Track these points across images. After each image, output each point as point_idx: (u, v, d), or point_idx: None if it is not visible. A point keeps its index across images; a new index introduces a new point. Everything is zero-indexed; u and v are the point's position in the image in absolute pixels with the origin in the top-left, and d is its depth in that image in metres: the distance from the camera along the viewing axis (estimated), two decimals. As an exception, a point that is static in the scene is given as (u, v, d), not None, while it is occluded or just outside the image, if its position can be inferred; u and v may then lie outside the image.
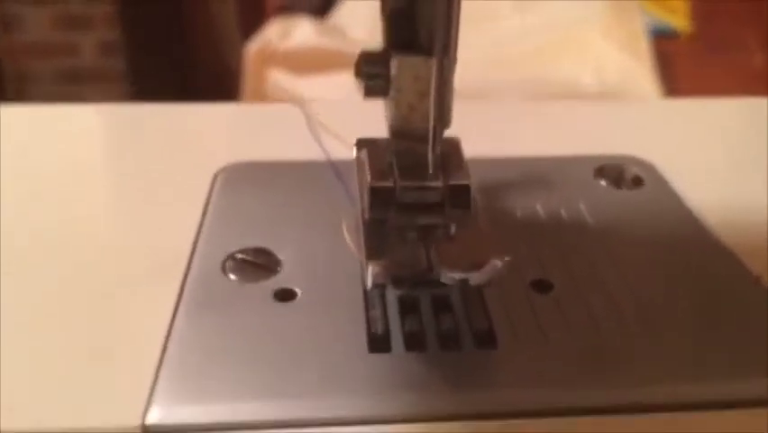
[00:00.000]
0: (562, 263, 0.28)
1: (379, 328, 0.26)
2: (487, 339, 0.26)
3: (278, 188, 0.34)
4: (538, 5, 1.33)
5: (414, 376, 0.24)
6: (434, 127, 0.28)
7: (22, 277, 0.29)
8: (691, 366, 0.24)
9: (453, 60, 0.27)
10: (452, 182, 0.27)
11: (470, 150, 0.29)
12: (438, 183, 0.27)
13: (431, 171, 0.28)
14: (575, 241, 0.30)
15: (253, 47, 1.22)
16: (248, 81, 1.23)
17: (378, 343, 0.26)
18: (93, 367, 0.25)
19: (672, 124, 0.40)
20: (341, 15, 1.38)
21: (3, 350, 0.25)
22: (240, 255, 0.30)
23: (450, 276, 0.24)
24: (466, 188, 0.28)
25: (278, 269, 0.29)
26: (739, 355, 0.25)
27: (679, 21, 1.49)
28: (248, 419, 0.23)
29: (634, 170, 0.35)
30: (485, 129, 0.37)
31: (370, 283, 0.25)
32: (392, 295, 0.28)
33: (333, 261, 0.30)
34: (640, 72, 1.24)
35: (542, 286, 0.28)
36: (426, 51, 0.27)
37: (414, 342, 0.26)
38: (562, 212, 0.32)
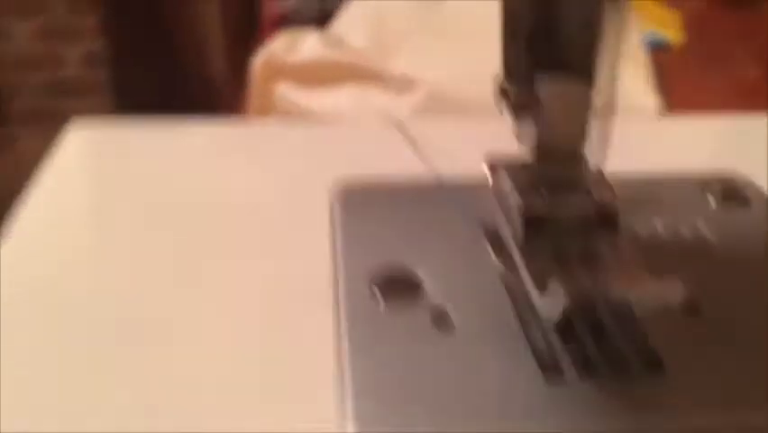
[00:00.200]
0: (705, 284, 0.29)
1: (550, 356, 0.26)
2: (655, 363, 0.26)
3: (401, 208, 0.34)
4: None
5: (591, 402, 0.24)
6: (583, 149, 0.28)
7: (181, 320, 0.29)
8: None
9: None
10: (602, 204, 0.28)
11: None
12: (589, 206, 0.28)
13: (584, 194, 0.28)
14: (708, 260, 0.30)
15: (259, 60, 1.22)
16: (254, 95, 1.22)
17: (552, 370, 0.26)
18: (272, 403, 0.25)
19: (754, 139, 0.41)
20: (341, 24, 1.38)
21: (194, 384, 0.25)
22: (384, 279, 0.29)
23: (639, 298, 0.24)
24: (615, 210, 0.28)
25: (426, 291, 0.29)
26: None
27: (672, 33, 1.52)
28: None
29: (739, 187, 0.35)
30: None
31: (548, 314, 0.25)
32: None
33: (478, 282, 0.30)
34: (639, 85, 1.26)
35: (690, 308, 0.28)
36: (574, 73, 0.27)
37: (586, 368, 0.26)
38: (683, 231, 0.32)
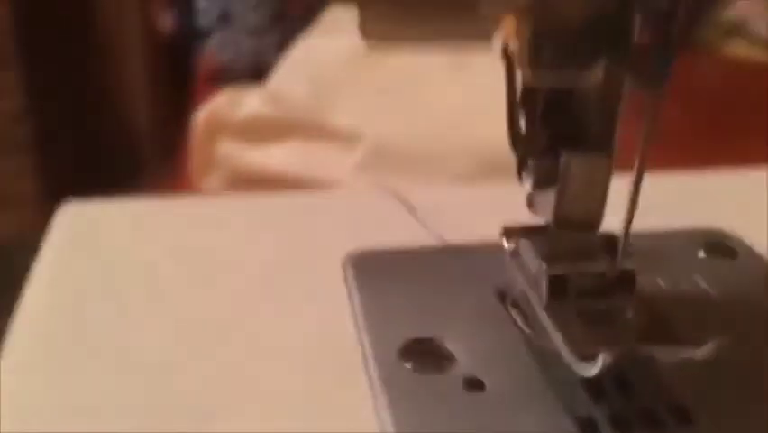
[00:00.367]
0: (717, 333, 0.30)
1: (584, 412, 0.28)
2: (684, 416, 0.27)
3: (415, 276, 0.35)
4: (475, 71, 1.40)
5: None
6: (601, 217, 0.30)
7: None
8: None
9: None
10: (622, 268, 0.30)
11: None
12: (609, 269, 0.30)
13: (602, 258, 0.30)
14: (716, 314, 0.32)
15: (201, 117, 1.21)
16: (196, 152, 1.22)
17: (587, 427, 0.27)
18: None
19: (732, 192, 0.44)
20: (279, 79, 1.39)
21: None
22: (413, 350, 0.30)
23: (673, 354, 0.26)
24: (632, 273, 0.30)
25: (455, 358, 0.30)
26: None
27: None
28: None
29: (725, 240, 0.38)
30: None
31: (584, 373, 0.26)
32: (576, 376, 0.29)
33: (504, 346, 0.31)
34: None
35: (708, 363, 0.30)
36: (592, 144, 0.29)
37: (619, 424, 0.27)
38: (684, 285, 0.34)
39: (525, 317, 0.32)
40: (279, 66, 1.43)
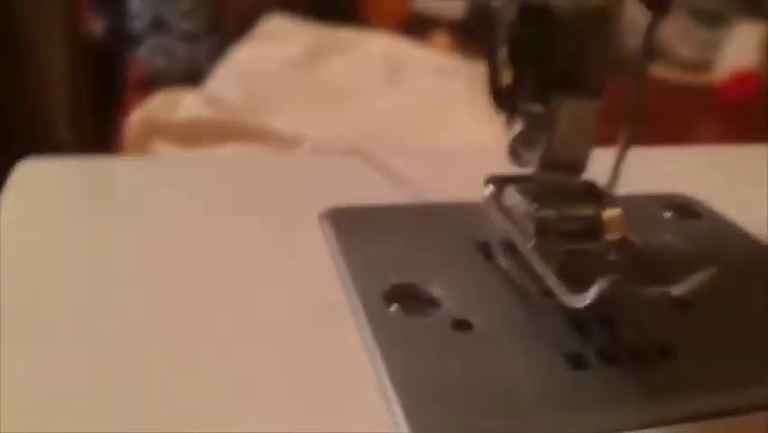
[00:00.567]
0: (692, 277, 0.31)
1: (572, 346, 0.28)
2: (668, 351, 0.28)
3: (393, 230, 0.35)
4: (408, 81, 1.41)
5: (616, 387, 0.26)
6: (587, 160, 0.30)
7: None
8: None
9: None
10: (606, 211, 0.30)
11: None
12: (596, 211, 0.30)
13: (589, 201, 0.30)
14: (690, 262, 0.33)
15: (135, 119, 1.18)
16: (129, 154, 1.18)
17: (575, 359, 0.27)
18: (325, 413, 0.24)
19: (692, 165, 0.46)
20: (216, 83, 1.37)
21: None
22: (400, 295, 0.30)
23: (659, 290, 0.26)
24: (618, 217, 0.30)
25: (441, 302, 0.30)
26: None
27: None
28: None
29: (690, 204, 0.39)
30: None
31: (585, 302, 0.26)
32: (561, 315, 0.29)
33: (488, 288, 0.31)
34: (476, 122, 1.32)
35: (683, 303, 0.31)
36: (580, 88, 0.29)
37: (606, 357, 0.27)
38: (658, 241, 0.35)
39: (509, 263, 0.32)
40: (215, 73, 1.41)
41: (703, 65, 1.77)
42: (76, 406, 0.24)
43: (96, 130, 1.48)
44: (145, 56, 1.65)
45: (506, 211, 0.31)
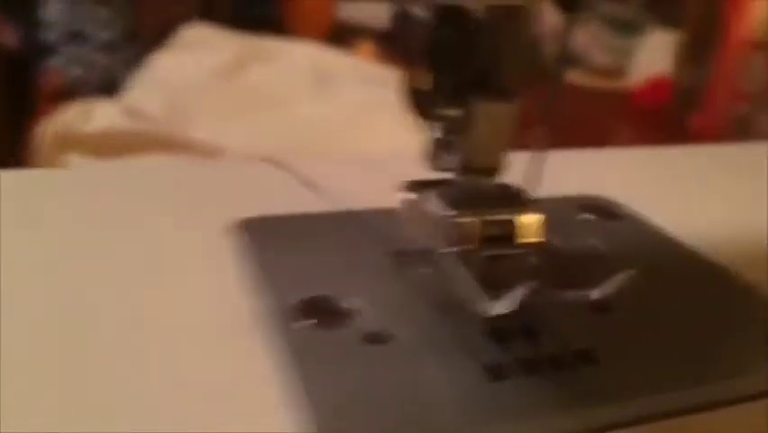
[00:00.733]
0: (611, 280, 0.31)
1: (490, 356, 0.27)
2: (589, 357, 0.27)
3: (307, 239, 0.33)
4: (333, 90, 1.40)
5: (536, 397, 0.25)
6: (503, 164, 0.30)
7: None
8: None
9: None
10: (525, 215, 0.29)
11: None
12: (515, 215, 0.29)
13: (509, 206, 0.29)
14: (610, 264, 0.33)
15: (48, 131, 1.14)
16: (43, 166, 1.13)
17: (494, 369, 0.26)
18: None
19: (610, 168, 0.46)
20: (134, 94, 1.33)
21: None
22: (311, 308, 0.28)
23: (575, 295, 0.26)
24: (537, 220, 0.30)
25: (353, 314, 0.29)
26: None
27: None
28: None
29: (608, 206, 0.39)
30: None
31: (492, 313, 0.25)
32: (480, 324, 0.28)
33: (403, 298, 0.30)
34: (399, 128, 1.33)
35: (601, 306, 0.30)
36: (496, 92, 0.29)
37: (526, 365, 0.27)
38: (578, 243, 0.35)
39: (427, 272, 0.31)
40: (133, 82, 1.38)
41: (618, 71, 1.82)
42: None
43: (10, 142, 1.41)
44: (60, 66, 1.59)
45: (423, 217, 0.31)
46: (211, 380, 0.25)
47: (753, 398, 0.28)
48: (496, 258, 0.29)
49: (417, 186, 0.32)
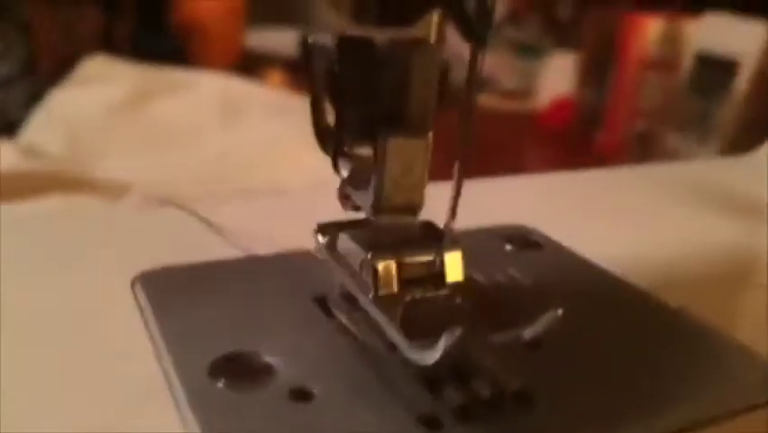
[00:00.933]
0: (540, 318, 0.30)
1: (424, 406, 0.25)
2: (525, 399, 0.26)
3: (219, 291, 0.31)
4: (244, 121, 1.38)
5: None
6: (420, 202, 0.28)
7: None
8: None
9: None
10: (446, 253, 0.28)
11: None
12: (436, 256, 0.28)
13: (427, 245, 0.28)
14: (536, 299, 0.32)
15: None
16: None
17: (428, 420, 0.25)
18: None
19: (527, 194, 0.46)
20: (31, 133, 1.27)
21: None
22: (226, 368, 0.26)
23: (504, 336, 0.25)
24: (459, 258, 0.28)
25: (275, 370, 0.26)
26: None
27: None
28: None
29: (529, 235, 0.39)
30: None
31: (422, 362, 0.24)
32: (411, 372, 0.27)
33: (327, 349, 0.28)
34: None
35: (532, 344, 0.29)
36: (408, 129, 0.28)
37: (461, 413, 0.25)
38: (499, 277, 0.34)
39: (350, 318, 0.29)
40: (31, 119, 1.31)
41: (525, 93, 1.86)
42: None
43: None
44: (-51, 104, 1.51)
45: (341, 261, 0.29)
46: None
47: (702, 424, 0.27)
48: (419, 301, 0.28)
49: (331, 228, 0.30)
